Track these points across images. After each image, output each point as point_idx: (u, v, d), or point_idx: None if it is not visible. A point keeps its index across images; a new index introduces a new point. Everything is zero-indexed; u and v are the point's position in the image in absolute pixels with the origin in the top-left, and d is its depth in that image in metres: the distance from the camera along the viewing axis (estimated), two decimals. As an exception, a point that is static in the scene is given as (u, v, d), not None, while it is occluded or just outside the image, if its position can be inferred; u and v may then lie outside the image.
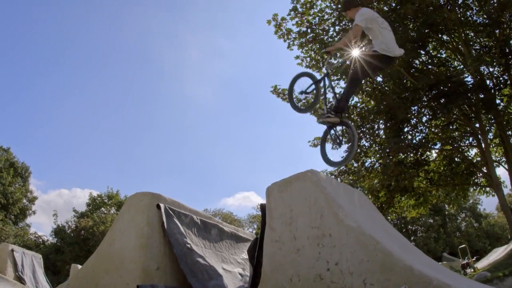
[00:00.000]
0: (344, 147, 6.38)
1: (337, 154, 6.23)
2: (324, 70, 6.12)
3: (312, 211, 4.65)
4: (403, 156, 14.45)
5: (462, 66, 14.62)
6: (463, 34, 14.33)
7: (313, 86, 6.10)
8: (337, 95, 6.05)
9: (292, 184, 4.98)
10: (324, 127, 5.96)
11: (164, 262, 5.89)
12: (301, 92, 6.22)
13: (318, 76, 6.18)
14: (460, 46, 14.64)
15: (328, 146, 5.95)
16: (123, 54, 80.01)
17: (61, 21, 72.64)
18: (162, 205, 6.11)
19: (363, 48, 5.77)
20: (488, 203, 74.82)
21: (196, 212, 7.13)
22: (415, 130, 15.22)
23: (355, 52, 5.48)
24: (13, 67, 68.44)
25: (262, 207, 5.68)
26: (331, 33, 14.89)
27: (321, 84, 6.05)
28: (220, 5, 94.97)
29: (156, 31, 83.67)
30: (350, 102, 15.31)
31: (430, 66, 14.82)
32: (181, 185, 74.64)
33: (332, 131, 5.88)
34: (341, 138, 5.87)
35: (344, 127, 5.80)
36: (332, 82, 6.13)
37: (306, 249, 4.59)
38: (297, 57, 15.94)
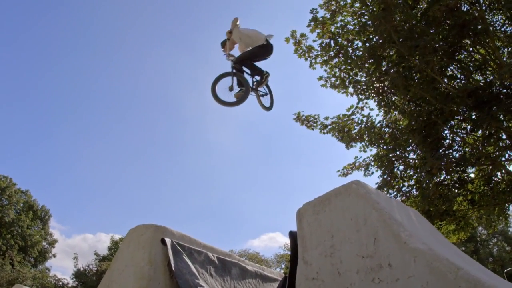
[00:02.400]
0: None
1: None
2: (231, 65, 7.38)
3: (361, 235, 3.44)
4: (444, 176, 13.04)
5: (494, 76, 13.43)
6: (491, 43, 13.23)
7: (235, 78, 7.18)
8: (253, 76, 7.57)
9: (331, 201, 3.77)
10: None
11: (171, 310, 4.70)
12: (231, 88, 7.08)
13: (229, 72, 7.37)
14: (491, 55, 13.50)
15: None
16: (145, 99, 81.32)
17: (83, 66, 74.52)
18: (168, 240, 4.97)
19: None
20: (518, 225, 70.74)
21: (212, 248, 5.95)
22: (452, 149, 13.85)
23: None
24: (38, 111, 69.92)
25: (292, 236, 4.50)
26: (356, 44, 13.69)
27: (237, 73, 7.25)
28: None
29: (177, 75, 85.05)
30: (379, 124, 14.35)
31: (463, 72, 13.63)
32: (205, 228, 72.87)
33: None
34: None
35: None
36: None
37: (356, 287, 3.36)
38: (321, 77, 14.83)
